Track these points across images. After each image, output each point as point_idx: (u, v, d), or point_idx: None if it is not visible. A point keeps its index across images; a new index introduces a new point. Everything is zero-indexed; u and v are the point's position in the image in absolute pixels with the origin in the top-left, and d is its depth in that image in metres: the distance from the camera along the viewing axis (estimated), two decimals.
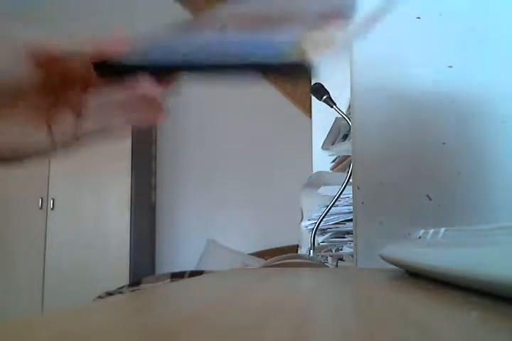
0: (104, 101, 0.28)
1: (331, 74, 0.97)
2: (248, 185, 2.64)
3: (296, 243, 1.23)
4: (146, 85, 0.26)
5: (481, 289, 0.16)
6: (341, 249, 0.81)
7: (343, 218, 0.77)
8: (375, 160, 0.51)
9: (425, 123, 0.53)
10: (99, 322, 0.13)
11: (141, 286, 1.05)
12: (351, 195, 0.59)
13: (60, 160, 2.26)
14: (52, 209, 2.22)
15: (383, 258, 0.29)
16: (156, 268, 2.58)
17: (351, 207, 0.67)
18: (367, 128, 0.51)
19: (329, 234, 0.81)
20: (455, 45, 0.55)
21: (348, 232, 0.77)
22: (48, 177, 2.25)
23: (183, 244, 2.61)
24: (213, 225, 2.62)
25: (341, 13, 0.27)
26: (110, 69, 0.26)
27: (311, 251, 0.75)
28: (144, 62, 0.26)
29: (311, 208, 0.94)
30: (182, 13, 2.62)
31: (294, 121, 2.61)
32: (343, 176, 0.76)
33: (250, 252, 2.44)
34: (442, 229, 0.25)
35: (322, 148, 1.18)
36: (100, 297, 1.01)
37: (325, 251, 0.84)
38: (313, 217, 0.88)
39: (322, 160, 1.18)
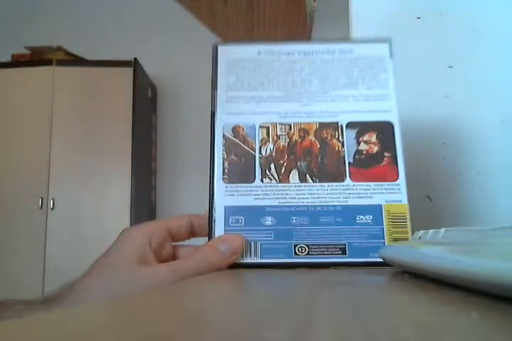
0: None
1: None
2: None
3: None
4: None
5: (481, 289, 0.16)
6: None
7: None
8: None
9: (425, 123, 0.53)
10: (99, 322, 0.13)
11: None
12: None
13: (60, 160, 2.26)
14: (52, 209, 2.22)
15: (383, 258, 0.29)
16: None
17: None
18: None
19: None
20: (455, 45, 0.55)
21: None
22: (48, 177, 2.25)
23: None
24: None
25: None
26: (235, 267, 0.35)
27: None
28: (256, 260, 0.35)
29: None
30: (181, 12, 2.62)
31: None
32: None
33: None
34: (442, 229, 0.25)
35: None
36: None
37: None
38: None
39: None
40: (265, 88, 0.39)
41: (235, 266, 0.34)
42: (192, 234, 0.37)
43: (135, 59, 2.37)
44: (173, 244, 0.37)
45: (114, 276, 0.31)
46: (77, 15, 2.79)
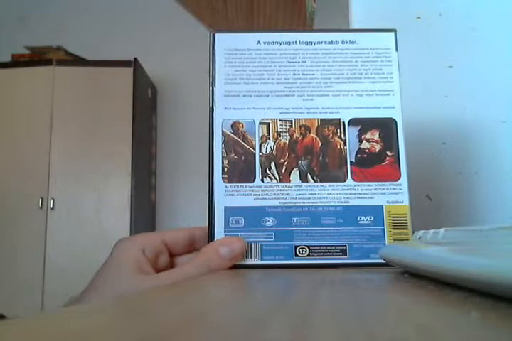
0: None
1: None
2: None
3: None
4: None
5: (481, 289, 0.16)
6: None
7: None
8: None
9: (425, 123, 0.53)
10: (99, 321, 0.13)
11: None
12: None
13: (60, 160, 2.26)
14: (52, 209, 2.22)
15: (383, 258, 0.29)
16: None
17: None
18: None
19: None
20: (455, 45, 0.55)
21: None
22: (48, 177, 2.25)
23: None
24: None
25: None
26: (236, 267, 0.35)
27: None
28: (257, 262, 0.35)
29: None
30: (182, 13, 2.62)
31: None
32: None
33: None
34: (442, 229, 0.25)
35: None
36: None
37: None
38: None
39: None
40: (265, 81, 0.38)
41: (235, 266, 0.34)
42: (193, 246, 0.36)
43: (135, 59, 2.37)
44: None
45: (116, 288, 0.31)
46: (77, 15, 2.79)
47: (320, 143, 0.37)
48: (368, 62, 0.38)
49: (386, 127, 0.37)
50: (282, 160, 0.37)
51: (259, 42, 0.39)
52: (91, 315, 0.14)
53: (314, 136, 0.37)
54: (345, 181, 0.36)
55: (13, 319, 0.12)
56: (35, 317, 0.13)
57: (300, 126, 0.37)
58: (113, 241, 0.35)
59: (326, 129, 0.37)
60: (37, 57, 2.40)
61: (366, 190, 0.36)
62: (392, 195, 0.36)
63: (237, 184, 0.36)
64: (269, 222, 0.35)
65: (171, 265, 0.36)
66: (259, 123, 0.37)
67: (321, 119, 0.37)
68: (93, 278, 0.33)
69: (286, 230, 0.35)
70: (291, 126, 0.37)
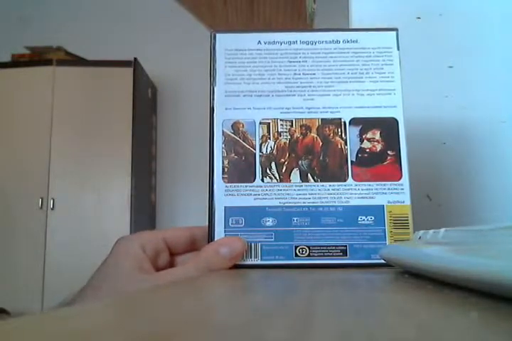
0: None
1: None
2: None
3: None
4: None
5: (481, 289, 0.16)
6: None
7: None
8: None
9: (425, 123, 0.53)
10: (99, 320, 0.13)
11: None
12: None
13: (60, 160, 2.26)
14: (52, 209, 2.22)
15: (383, 258, 0.29)
16: None
17: None
18: None
19: None
20: (455, 45, 0.55)
21: None
22: (48, 177, 2.24)
23: None
24: None
25: None
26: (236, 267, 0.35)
27: None
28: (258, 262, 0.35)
29: None
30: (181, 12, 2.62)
31: None
32: None
33: None
34: (442, 229, 0.25)
35: None
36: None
37: None
38: None
39: None
40: (266, 81, 0.38)
41: (235, 266, 0.34)
42: (193, 245, 0.36)
43: (135, 59, 2.37)
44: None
45: (115, 287, 0.31)
46: (77, 15, 2.79)
47: (320, 143, 0.37)
48: (369, 61, 0.38)
49: (387, 126, 0.37)
50: (282, 160, 0.36)
51: (259, 42, 0.39)
52: (91, 314, 0.14)
53: (315, 135, 0.37)
54: (345, 181, 0.36)
55: (14, 317, 0.12)
56: (35, 317, 0.13)
57: (300, 126, 0.37)
58: (113, 241, 0.35)
59: (326, 129, 0.37)
60: (37, 57, 2.40)
61: (367, 189, 0.36)
62: (393, 195, 0.36)
63: (237, 184, 0.36)
64: (269, 222, 0.35)
65: (171, 264, 0.36)
66: (260, 123, 0.37)
67: (322, 119, 0.37)
68: (92, 276, 0.33)
69: (287, 230, 0.35)
70: (292, 125, 0.37)
